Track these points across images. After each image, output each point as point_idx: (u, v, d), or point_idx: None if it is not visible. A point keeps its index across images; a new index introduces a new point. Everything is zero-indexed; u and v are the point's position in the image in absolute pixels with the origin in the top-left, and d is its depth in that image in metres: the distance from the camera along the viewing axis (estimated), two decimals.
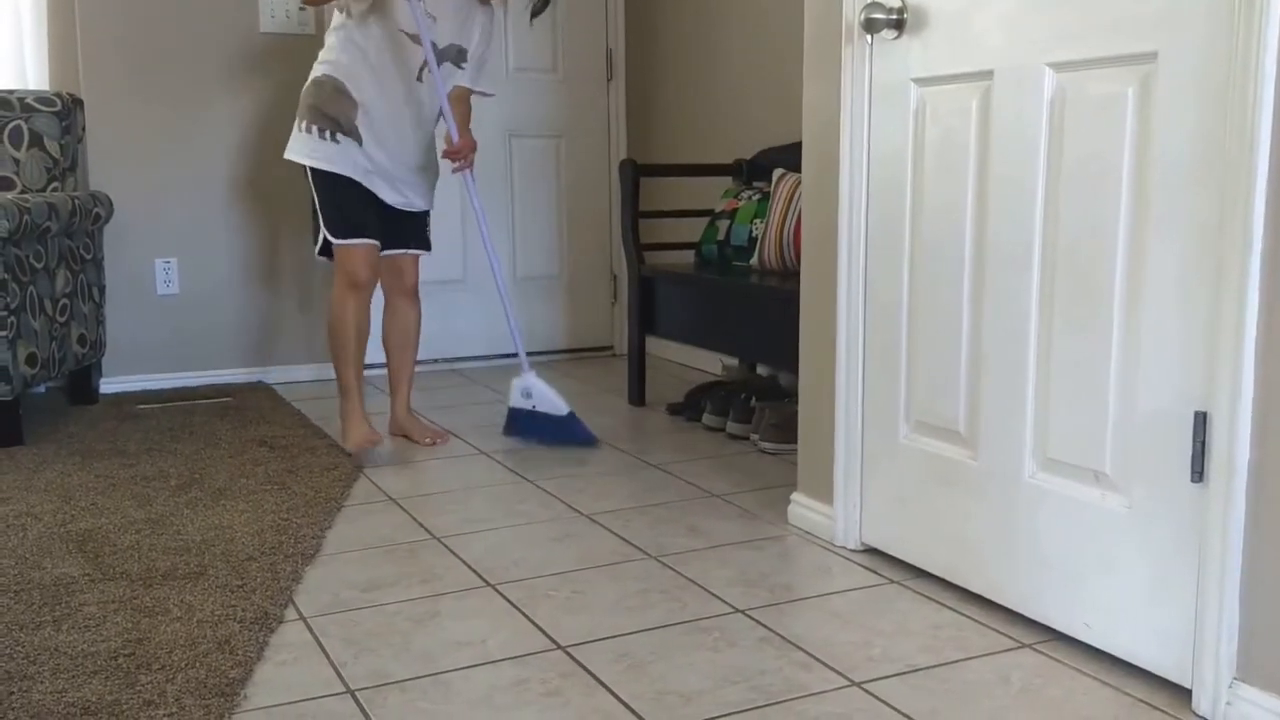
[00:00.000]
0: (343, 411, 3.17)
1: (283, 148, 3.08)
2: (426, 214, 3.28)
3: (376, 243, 3.09)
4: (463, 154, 3.16)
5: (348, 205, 3.06)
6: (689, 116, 4.45)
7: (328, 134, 3.02)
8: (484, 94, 3.26)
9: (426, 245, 3.29)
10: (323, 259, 3.14)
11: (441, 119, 3.15)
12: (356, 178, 3.05)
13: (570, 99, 4.66)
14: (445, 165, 3.23)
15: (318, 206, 3.08)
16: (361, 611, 2.06)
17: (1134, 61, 1.69)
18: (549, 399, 3.22)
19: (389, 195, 3.12)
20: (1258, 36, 1.50)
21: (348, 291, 3.07)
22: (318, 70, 3.08)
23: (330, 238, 3.05)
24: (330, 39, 3.08)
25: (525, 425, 3.27)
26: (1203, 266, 1.60)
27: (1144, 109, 1.68)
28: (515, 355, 3.18)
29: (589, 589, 2.16)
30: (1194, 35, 1.60)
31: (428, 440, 3.29)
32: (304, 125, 3.04)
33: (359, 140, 3.03)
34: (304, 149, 3.05)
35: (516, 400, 3.27)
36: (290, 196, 4.17)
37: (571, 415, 3.21)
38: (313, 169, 3.04)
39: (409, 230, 3.23)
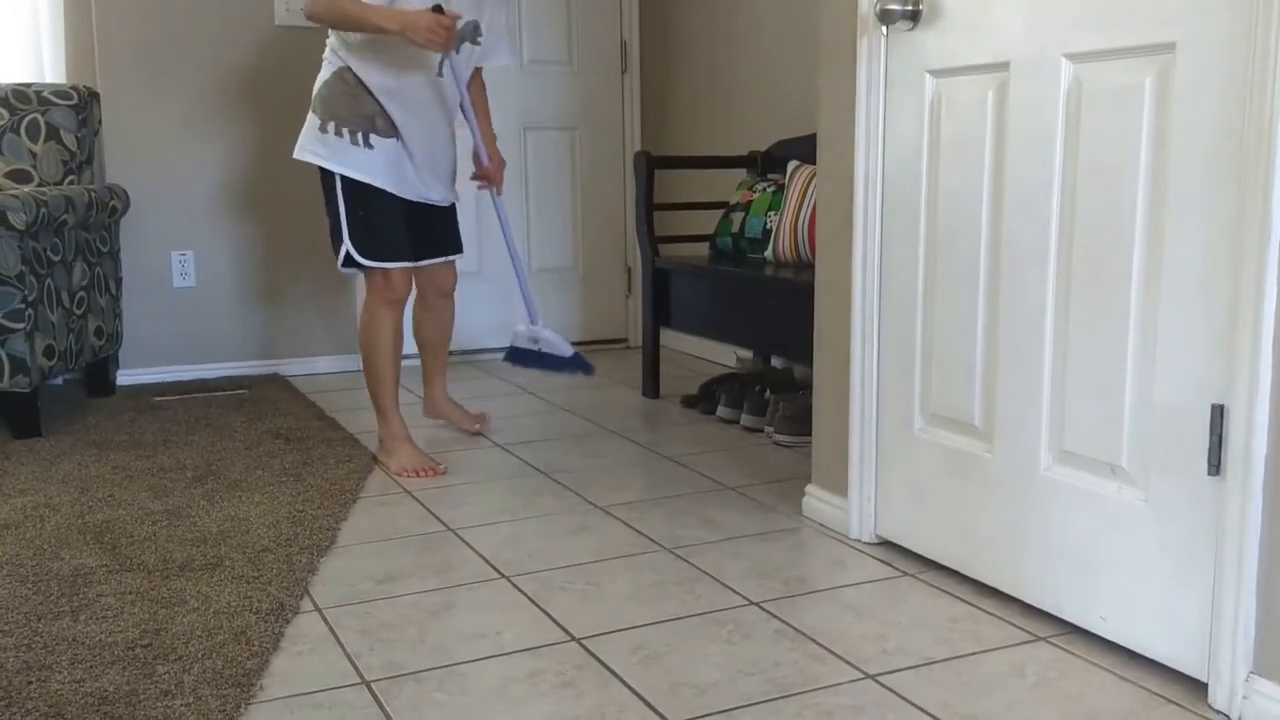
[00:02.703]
0: (384, 435, 2.96)
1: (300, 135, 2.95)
2: (454, 209, 3.06)
3: (412, 263, 2.91)
4: (494, 178, 3.04)
5: (382, 222, 2.84)
6: (704, 108, 4.44)
7: (360, 137, 2.80)
8: (502, 64, 3.05)
9: (461, 246, 3.11)
10: (348, 270, 2.89)
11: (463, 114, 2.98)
12: (391, 189, 2.83)
13: (585, 91, 4.65)
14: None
15: (343, 217, 2.82)
16: (377, 603, 2.07)
17: (1152, 52, 1.68)
18: (555, 343, 3.18)
19: (419, 193, 2.89)
20: (1277, 26, 1.48)
21: (384, 309, 2.90)
22: (335, 62, 2.84)
23: (361, 258, 2.83)
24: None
25: (527, 359, 3.24)
26: (1221, 258, 1.59)
27: (1162, 100, 1.67)
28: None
29: (603, 581, 2.16)
30: (1213, 25, 1.59)
31: (476, 428, 3.29)
32: (330, 126, 2.80)
33: (397, 135, 2.82)
34: (330, 154, 2.80)
35: (522, 341, 3.23)
36: (306, 189, 4.17)
37: (576, 356, 3.18)
38: (341, 176, 2.81)
39: (442, 232, 3.03)
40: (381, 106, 2.81)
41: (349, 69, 2.81)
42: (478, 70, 3.05)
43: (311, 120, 2.86)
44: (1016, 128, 1.92)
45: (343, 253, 2.84)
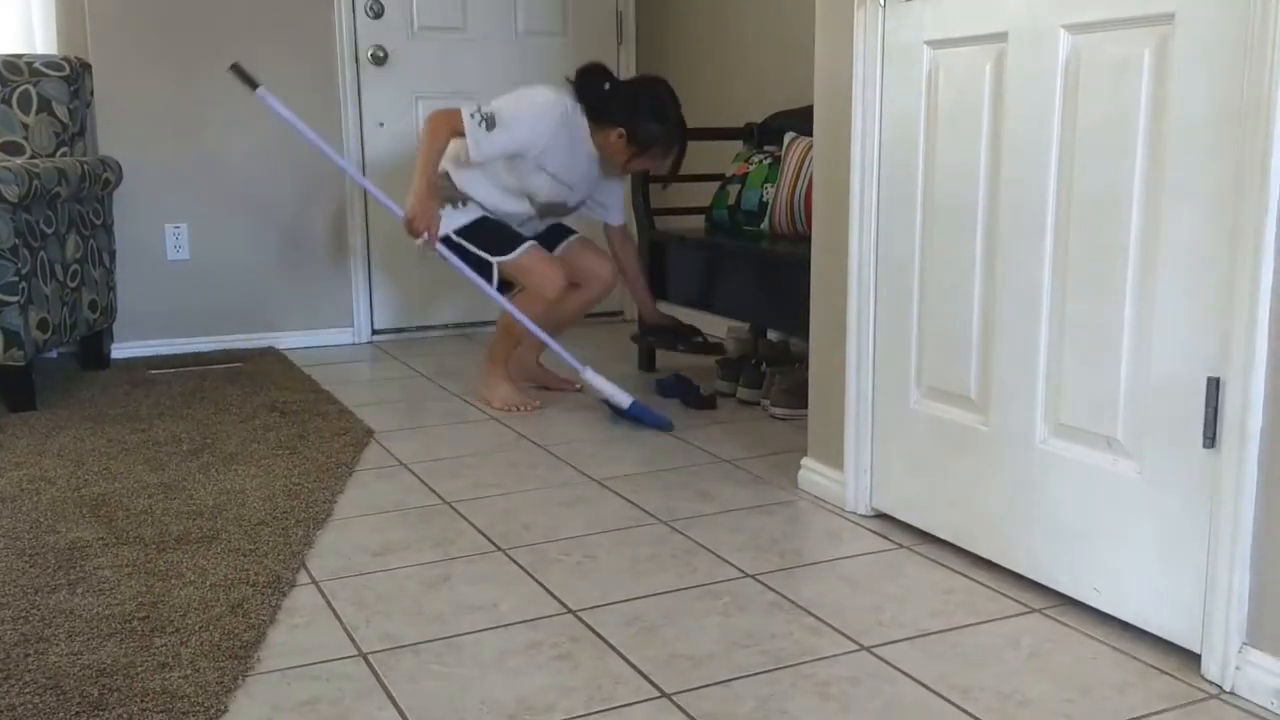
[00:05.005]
0: (492, 375, 3.32)
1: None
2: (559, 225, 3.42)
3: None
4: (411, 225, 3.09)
5: (495, 230, 3.23)
6: (699, 80, 4.42)
7: (458, 203, 3.20)
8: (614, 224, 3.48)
9: (561, 236, 3.40)
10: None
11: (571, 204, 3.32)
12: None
13: (580, 62, 4.58)
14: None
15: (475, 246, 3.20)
16: (373, 575, 2.08)
17: (1150, 23, 1.67)
18: (609, 392, 3.13)
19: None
20: None
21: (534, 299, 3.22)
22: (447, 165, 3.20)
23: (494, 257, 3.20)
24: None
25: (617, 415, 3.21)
26: (1218, 231, 1.59)
27: (1160, 71, 1.66)
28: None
29: (600, 553, 2.17)
30: None
31: (567, 388, 3.48)
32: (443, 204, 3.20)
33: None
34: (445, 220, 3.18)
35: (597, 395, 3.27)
36: (299, 161, 4.15)
37: (635, 404, 3.10)
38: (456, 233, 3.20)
39: (549, 236, 3.37)
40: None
41: (446, 176, 3.19)
42: (626, 236, 3.49)
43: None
44: (1014, 99, 1.91)
45: (495, 279, 3.21)
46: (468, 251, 3.17)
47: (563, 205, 3.28)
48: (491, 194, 3.20)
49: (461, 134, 3.04)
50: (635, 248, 3.55)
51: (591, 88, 3.15)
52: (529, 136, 3.07)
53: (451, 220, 3.17)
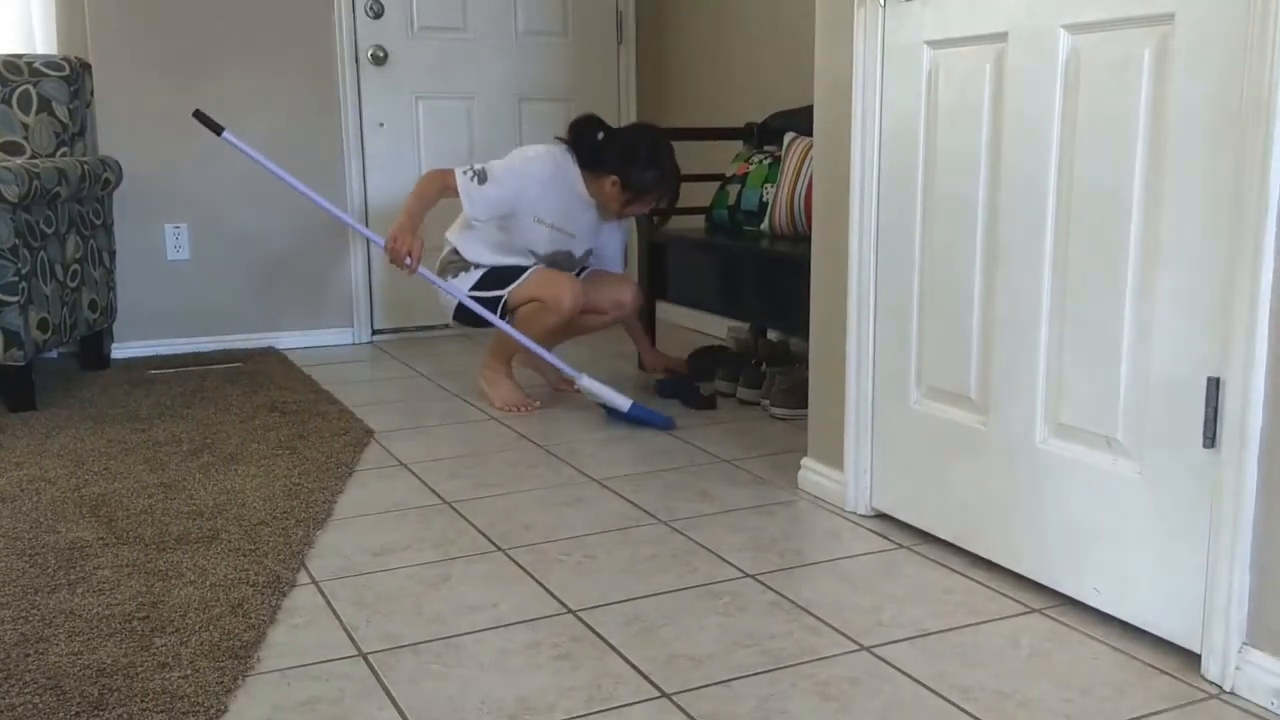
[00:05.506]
0: (492, 371, 3.33)
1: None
2: (581, 270, 3.41)
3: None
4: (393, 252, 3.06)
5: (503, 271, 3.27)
6: (699, 80, 4.42)
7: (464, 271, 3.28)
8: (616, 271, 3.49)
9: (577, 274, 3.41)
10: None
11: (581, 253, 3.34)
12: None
13: (580, 62, 4.62)
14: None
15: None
16: (373, 575, 2.08)
17: (1150, 23, 1.67)
18: (608, 396, 3.11)
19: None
20: None
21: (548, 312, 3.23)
22: (450, 242, 3.31)
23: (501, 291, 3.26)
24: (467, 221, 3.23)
25: (614, 416, 3.16)
26: (1218, 231, 1.59)
27: (1160, 71, 1.66)
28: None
29: (600, 553, 2.17)
30: None
31: (563, 387, 3.47)
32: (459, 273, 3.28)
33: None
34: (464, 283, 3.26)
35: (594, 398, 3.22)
36: (300, 162, 4.15)
37: (635, 406, 3.08)
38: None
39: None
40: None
41: (454, 250, 3.30)
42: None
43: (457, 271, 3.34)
44: (1014, 99, 1.91)
45: (500, 310, 3.23)
46: (485, 300, 3.20)
47: (569, 255, 3.30)
48: (495, 257, 3.24)
49: (454, 191, 3.10)
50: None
51: (586, 138, 3.20)
52: (519, 186, 3.12)
53: (463, 284, 3.23)
